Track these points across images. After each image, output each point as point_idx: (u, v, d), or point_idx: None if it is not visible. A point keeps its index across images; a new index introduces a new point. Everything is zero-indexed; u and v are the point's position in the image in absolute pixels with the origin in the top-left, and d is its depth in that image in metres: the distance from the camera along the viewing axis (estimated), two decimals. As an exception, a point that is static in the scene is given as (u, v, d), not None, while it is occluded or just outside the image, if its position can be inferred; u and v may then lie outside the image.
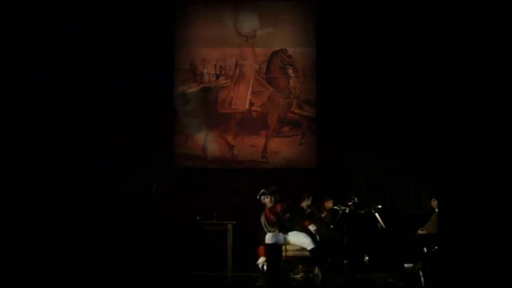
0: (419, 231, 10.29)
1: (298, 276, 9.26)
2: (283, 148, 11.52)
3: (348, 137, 11.09)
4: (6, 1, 10.29)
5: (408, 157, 11.05)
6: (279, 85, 11.66)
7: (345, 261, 9.64)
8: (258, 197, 9.70)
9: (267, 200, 9.59)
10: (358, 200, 10.07)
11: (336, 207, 10.03)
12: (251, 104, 11.65)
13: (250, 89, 11.64)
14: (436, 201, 10.13)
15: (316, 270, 9.22)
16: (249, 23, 11.67)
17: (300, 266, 9.38)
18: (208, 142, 11.58)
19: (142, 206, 10.61)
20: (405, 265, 10.12)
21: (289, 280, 9.12)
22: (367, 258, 9.99)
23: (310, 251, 9.28)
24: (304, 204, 10.08)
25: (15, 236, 9.72)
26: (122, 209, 10.64)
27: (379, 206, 10.19)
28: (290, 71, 11.63)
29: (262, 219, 9.54)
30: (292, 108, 11.59)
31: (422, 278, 8.87)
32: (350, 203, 9.96)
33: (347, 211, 9.89)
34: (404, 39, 10.90)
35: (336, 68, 11.18)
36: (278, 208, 9.63)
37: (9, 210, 9.86)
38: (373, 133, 11.10)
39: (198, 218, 10.77)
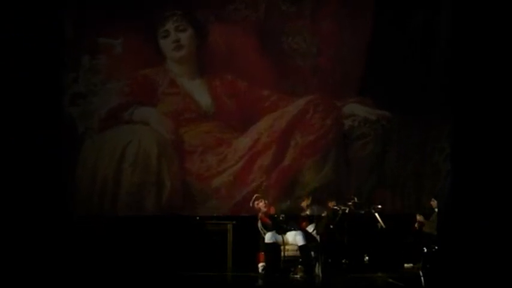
0: (417, 217, 10.18)
1: (298, 276, 9.26)
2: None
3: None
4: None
5: (409, 156, 11.03)
6: None
7: (344, 261, 9.63)
8: (251, 204, 9.78)
9: (261, 204, 9.71)
10: (358, 200, 10.07)
11: (336, 207, 10.02)
12: None
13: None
14: (436, 201, 10.13)
15: (316, 270, 9.23)
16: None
17: (300, 266, 9.37)
18: None
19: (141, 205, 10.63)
20: (405, 265, 10.11)
21: (289, 280, 9.13)
22: (367, 258, 9.98)
23: (300, 247, 9.34)
24: (304, 203, 10.08)
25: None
26: (121, 206, 10.66)
27: (379, 206, 10.19)
28: None
29: (259, 224, 9.63)
30: None
31: (422, 278, 8.88)
32: (350, 203, 9.95)
33: (347, 211, 9.88)
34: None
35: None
36: (272, 210, 9.73)
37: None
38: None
39: (198, 218, 10.75)
